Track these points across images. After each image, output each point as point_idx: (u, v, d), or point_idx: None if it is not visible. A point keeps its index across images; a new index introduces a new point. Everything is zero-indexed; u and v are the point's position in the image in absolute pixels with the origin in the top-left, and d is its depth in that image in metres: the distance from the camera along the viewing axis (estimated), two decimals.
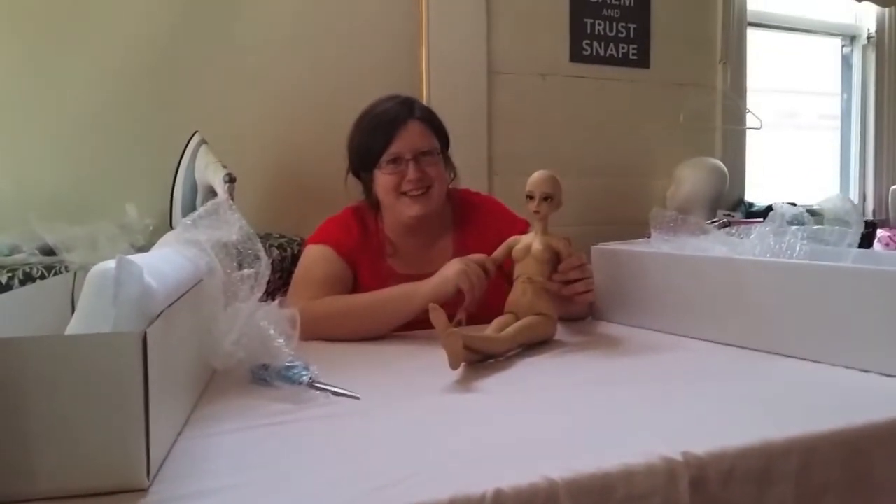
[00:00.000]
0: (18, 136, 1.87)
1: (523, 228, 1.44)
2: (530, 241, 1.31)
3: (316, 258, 1.49)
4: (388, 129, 1.46)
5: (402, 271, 1.50)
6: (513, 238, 1.34)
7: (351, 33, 2.19)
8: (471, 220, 1.58)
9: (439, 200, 1.51)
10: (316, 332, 1.30)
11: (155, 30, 1.97)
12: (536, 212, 1.28)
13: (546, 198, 1.27)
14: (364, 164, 1.51)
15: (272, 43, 2.10)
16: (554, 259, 1.30)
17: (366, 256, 1.51)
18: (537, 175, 1.28)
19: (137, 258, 0.78)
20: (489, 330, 1.20)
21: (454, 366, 1.03)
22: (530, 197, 1.28)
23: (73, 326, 0.74)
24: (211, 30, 2.03)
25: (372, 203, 1.55)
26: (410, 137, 1.46)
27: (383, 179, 1.47)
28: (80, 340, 0.68)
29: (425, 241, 1.54)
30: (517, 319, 1.24)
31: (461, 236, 1.56)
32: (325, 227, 1.55)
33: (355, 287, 1.49)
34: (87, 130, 1.91)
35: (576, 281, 1.30)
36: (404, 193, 1.46)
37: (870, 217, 3.12)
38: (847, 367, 1.04)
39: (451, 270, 1.28)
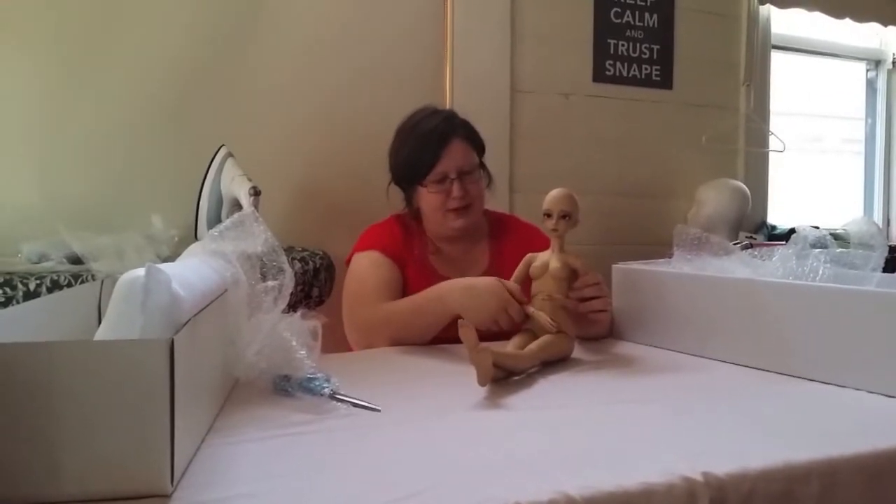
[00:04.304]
0: (50, 148, 1.92)
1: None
2: (548, 258, 1.31)
3: (365, 266, 1.54)
4: (435, 147, 1.53)
5: (443, 273, 1.55)
6: (530, 255, 1.34)
7: (376, 52, 2.21)
8: (506, 230, 1.67)
9: (479, 214, 1.61)
10: (373, 340, 1.41)
11: (184, 46, 2.01)
12: (554, 230, 1.29)
13: (564, 216, 1.27)
14: (408, 178, 1.58)
15: (298, 60, 2.13)
16: (571, 277, 1.30)
17: (410, 257, 1.56)
18: (555, 193, 1.29)
19: (165, 267, 0.79)
20: (509, 346, 1.21)
21: (483, 382, 1.03)
22: (548, 215, 1.28)
23: (102, 333, 0.75)
24: (238, 46, 2.06)
25: (413, 211, 1.62)
26: (455, 157, 1.53)
27: (429, 197, 1.55)
28: (109, 346, 0.69)
29: (464, 247, 1.61)
30: (535, 336, 1.24)
31: (497, 244, 1.63)
32: (369, 233, 1.61)
33: (403, 286, 1.54)
34: (116, 143, 1.95)
35: (592, 299, 1.31)
36: (448, 209, 1.54)
37: (894, 242, 3.09)
38: (870, 392, 1.03)
39: (469, 302, 1.30)
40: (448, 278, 1.50)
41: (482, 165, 1.61)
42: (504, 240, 1.63)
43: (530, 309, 1.27)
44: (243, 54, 2.07)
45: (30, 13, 1.89)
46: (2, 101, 1.88)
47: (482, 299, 1.28)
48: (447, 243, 1.61)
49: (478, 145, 1.61)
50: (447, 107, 2.24)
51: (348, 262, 1.60)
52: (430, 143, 1.53)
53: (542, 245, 1.34)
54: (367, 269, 1.53)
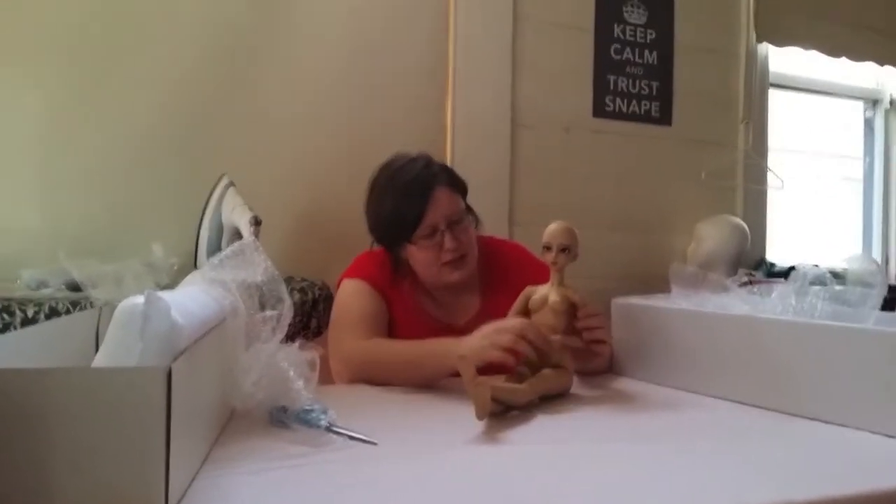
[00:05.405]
0: (52, 174, 1.92)
1: (548, 277, 1.41)
2: (547, 292, 1.30)
3: (352, 294, 1.50)
4: (418, 199, 1.44)
5: (433, 313, 1.52)
6: (529, 288, 1.34)
7: (378, 85, 2.23)
8: (497, 269, 1.59)
9: (474, 264, 1.52)
10: (357, 376, 1.37)
11: (186, 75, 2.02)
12: (554, 263, 1.28)
13: (563, 249, 1.27)
14: (393, 236, 1.50)
15: (301, 91, 2.14)
16: (570, 311, 1.30)
17: (399, 293, 1.51)
18: (554, 226, 1.28)
19: (165, 295, 0.79)
20: (507, 380, 1.20)
21: (481, 416, 1.02)
22: (547, 248, 1.28)
23: (100, 359, 0.75)
24: (241, 77, 2.08)
25: (402, 268, 1.52)
26: (441, 206, 1.45)
27: (420, 255, 1.47)
28: (106, 373, 0.69)
29: (454, 292, 1.54)
30: (533, 371, 1.23)
31: (489, 287, 1.56)
32: (360, 260, 1.57)
33: (389, 321, 1.49)
34: (118, 170, 1.95)
35: (594, 329, 1.31)
36: (443, 263, 1.47)
37: (893, 281, 3.09)
38: (872, 432, 1.02)
39: (479, 342, 1.21)
40: (437, 319, 1.50)
41: (468, 209, 1.54)
42: (495, 276, 1.57)
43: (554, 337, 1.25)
44: (247, 84, 2.08)
45: (36, 40, 1.91)
46: (5, 126, 1.90)
47: (483, 333, 1.23)
48: (436, 288, 1.54)
49: (461, 189, 1.53)
50: (448, 140, 2.27)
51: (338, 285, 1.56)
52: (412, 194, 1.45)
53: (533, 267, 1.32)
54: (351, 299, 1.48)
